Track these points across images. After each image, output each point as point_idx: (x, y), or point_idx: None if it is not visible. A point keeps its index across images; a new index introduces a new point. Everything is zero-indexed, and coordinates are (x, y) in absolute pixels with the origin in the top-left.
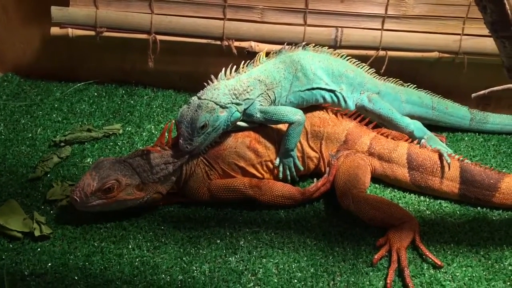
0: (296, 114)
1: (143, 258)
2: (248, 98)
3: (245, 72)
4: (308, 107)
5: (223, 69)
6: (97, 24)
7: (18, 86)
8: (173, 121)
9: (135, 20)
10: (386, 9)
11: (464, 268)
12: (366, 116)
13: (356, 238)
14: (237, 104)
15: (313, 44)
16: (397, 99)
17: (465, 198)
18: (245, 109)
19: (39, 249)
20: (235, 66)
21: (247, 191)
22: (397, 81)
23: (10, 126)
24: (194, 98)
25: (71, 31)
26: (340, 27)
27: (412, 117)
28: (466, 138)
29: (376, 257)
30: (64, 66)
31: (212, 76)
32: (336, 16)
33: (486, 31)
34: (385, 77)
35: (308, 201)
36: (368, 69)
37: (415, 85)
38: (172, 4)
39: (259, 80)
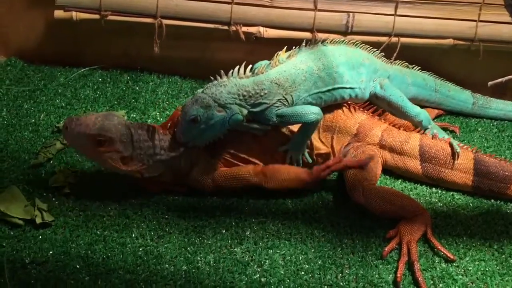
0: (314, 113)
1: (146, 248)
2: (261, 102)
3: (262, 73)
4: None
5: (237, 67)
6: (101, 7)
7: (21, 71)
8: (178, 107)
9: (141, 3)
10: None
11: (477, 262)
12: (376, 106)
13: (365, 230)
14: (241, 106)
15: (330, 39)
16: (404, 81)
17: (478, 190)
18: (258, 113)
19: (40, 237)
20: (250, 66)
21: (252, 179)
22: (403, 63)
23: (13, 111)
24: (199, 90)
25: (75, 15)
26: (351, 12)
27: (416, 99)
28: (479, 129)
29: (386, 249)
30: (68, 51)
31: (222, 72)
32: (347, 1)
33: (503, 18)
34: (392, 60)
35: (317, 182)
36: (378, 53)
37: (419, 68)
38: None
39: (277, 83)
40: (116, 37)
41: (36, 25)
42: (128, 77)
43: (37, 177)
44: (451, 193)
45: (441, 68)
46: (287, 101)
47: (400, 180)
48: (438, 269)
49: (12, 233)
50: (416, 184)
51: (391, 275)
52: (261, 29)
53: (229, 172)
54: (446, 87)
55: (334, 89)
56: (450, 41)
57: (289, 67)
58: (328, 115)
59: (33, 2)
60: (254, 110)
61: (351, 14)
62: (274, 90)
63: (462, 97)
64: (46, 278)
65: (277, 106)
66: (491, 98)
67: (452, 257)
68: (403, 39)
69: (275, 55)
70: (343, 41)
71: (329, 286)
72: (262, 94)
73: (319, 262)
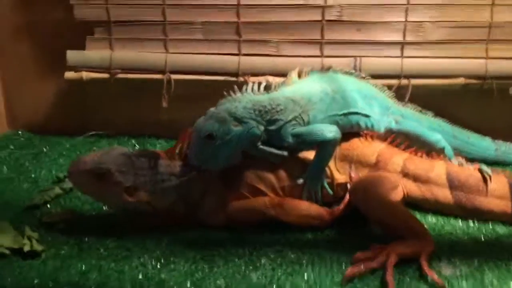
0: (332, 131)
1: (147, 274)
2: (277, 119)
3: (276, 91)
4: None
5: (250, 83)
6: (111, 66)
7: (27, 140)
8: (189, 130)
9: (149, 60)
10: (404, 35)
11: None
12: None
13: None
14: (258, 122)
15: (340, 68)
16: (420, 124)
17: None
18: (274, 133)
19: (27, 266)
20: (264, 82)
21: (268, 211)
22: (416, 107)
23: (13, 169)
24: (211, 109)
25: (85, 75)
26: (358, 56)
27: None
28: None
29: (357, 254)
30: (76, 122)
31: (236, 87)
32: (354, 45)
33: (510, 53)
34: (404, 102)
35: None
36: (389, 93)
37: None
38: (186, 42)
39: (293, 100)
40: (124, 103)
41: (45, 97)
42: (135, 142)
43: (31, 217)
44: (491, 225)
45: (456, 115)
46: (303, 120)
47: (430, 214)
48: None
49: None
50: (449, 218)
51: None
52: (270, 78)
53: (244, 203)
54: (464, 134)
55: (350, 113)
56: (461, 80)
57: (304, 86)
58: (344, 144)
59: (43, 75)
60: (270, 128)
61: (358, 58)
62: (290, 106)
63: (483, 144)
64: None
65: (293, 125)
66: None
67: (441, 283)
68: (413, 81)
69: (288, 75)
70: (353, 73)
71: None
72: (278, 109)
73: (349, 285)
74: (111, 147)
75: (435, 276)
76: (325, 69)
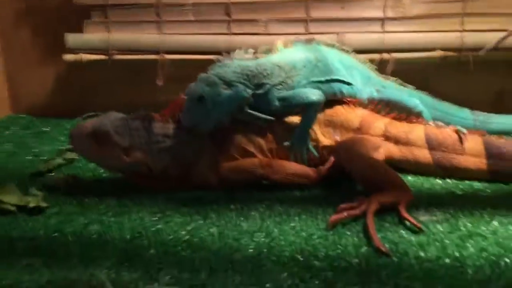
0: (316, 94)
1: (145, 225)
2: (264, 83)
3: (263, 58)
4: None
5: (237, 50)
6: (109, 47)
7: (29, 121)
8: (181, 94)
9: (144, 41)
10: (384, 12)
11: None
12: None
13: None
14: (246, 86)
15: (322, 41)
16: (400, 92)
17: (496, 174)
18: (261, 97)
19: (32, 222)
20: (250, 49)
21: (257, 170)
22: (396, 79)
23: (17, 145)
24: (202, 74)
25: (84, 56)
26: (342, 32)
27: None
28: None
29: (341, 205)
30: (75, 105)
31: (224, 53)
32: (337, 23)
33: (485, 26)
34: (386, 76)
35: (323, 180)
36: (370, 66)
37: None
38: (179, 23)
39: (279, 66)
40: (121, 86)
41: (47, 81)
42: None
43: (36, 183)
44: (468, 182)
45: (436, 89)
46: (288, 85)
47: (411, 176)
48: (463, 229)
49: (2, 218)
50: (429, 178)
51: (412, 237)
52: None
53: (235, 164)
54: (443, 105)
55: (332, 80)
56: (439, 53)
57: (288, 54)
58: (328, 110)
59: (45, 59)
60: (257, 92)
61: (341, 34)
62: (276, 71)
63: (462, 115)
64: (34, 247)
65: (279, 89)
66: (491, 114)
67: (419, 226)
68: (394, 55)
69: (274, 45)
70: (334, 45)
71: (344, 247)
72: (264, 74)
73: (333, 229)
74: (107, 113)
75: (412, 220)
76: (308, 41)
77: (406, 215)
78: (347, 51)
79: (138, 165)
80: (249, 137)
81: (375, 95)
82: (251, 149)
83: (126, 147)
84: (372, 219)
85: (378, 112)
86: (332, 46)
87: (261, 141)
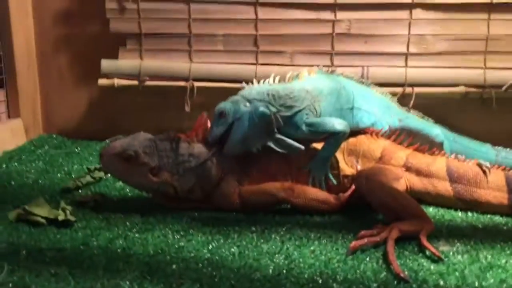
0: (343, 123)
1: (168, 242)
2: (292, 105)
3: (290, 83)
4: None
5: (272, 75)
6: (141, 73)
7: (61, 142)
8: (203, 113)
9: (175, 68)
10: (408, 47)
11: None
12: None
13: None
14: (269, 103)
15: (341, 72)
16: (421, 122)
17: None
18: (289, 119)
19: (60, 234)
20: (279, 76)
21: (279, 194)
22: (418, 113)
23: (49, 163)
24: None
25: (116, 81)
26: (365, 66)
27: None
28: None
29: (362, 232)
30: (105, 129)
31: (255, 80)
32: (361, 56)
33: (507, 64)
34: (407, 108)
35: (343, 208)
36: (391, 98)
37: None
38: (208, 53)
39: (306, 90)
40: (149, 112)
41: (79, 104)
42: None
43: (65, 198)
44: (489, 216)
45: (456, 124)
46: (315, 109)
47: (432, 207)
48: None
49: (33, 230)
50: (450, 210)
51: (432, 265)
52: None
53: (257, 187)
54: (464, 139)
55: (354, 108)
56: (462, 89)
57: (315, 80)
58: (352, 139)
59: (78, 84)
60: (286, 114)
61: (365, 67)
62: (303, 95)
63: (483, 149)
64: (62, 258)
65: (306, 114)
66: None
67: (439, 255)
68: (417, 89)
69: (300, 72)
70: (353, 77)
71: (363, 272)
72: (291, 96)
73: (352, 255)
74: (136, 133)
75: (433, 249)
76: (330, 72)
77: (427, 244)
78: (365, 83)
79: (165, 185)
80: (273, 161)
81: (397, 124)
82: (274, 172)
83: (154, 167)
84: (392, 246)
85: (400, 143)
86: (351, 78)
87: (284, 165)
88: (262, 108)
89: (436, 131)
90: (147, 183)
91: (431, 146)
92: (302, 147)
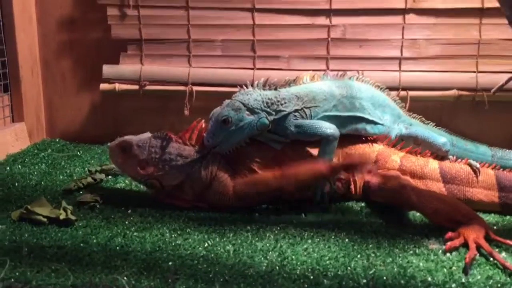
0: (331, 128)
1: (165, 240)
2: (281, 110)
3: (284, 88)
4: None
5: (262, 79)
6: (141, 78)
7: (63, 146)
8: (199, 119)
9: (174, 73)
10: (401, 52)
11: None
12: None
13: (391, 235)
14: (268, 113)
15: (357, 76)
16: (426, 129)
17: (506, 208)
18: (278, 120)
19: (61, 232)
20: (275, 79)
21: (272, 182)
22: (420, 117)
23: (51, 166)
24: (226, 100)
25: (118, 86)
26: (360, 70)
27: None
28: None
29: (448, 244)
30: (106, 132)
31: (248, 82)
32: (356, 61)
33: (499, 68)
34: (410, 114)
35: (336, 171)
36: (401, 104)
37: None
38: (207, 58)
39: (297, 96)
40: (150, 115)
41: (81, 108)
42: None
43: (66, 198)
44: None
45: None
46: (305, 114)
47: None
48: None
49: (34, 228)
50: None
51: (421, 262)
52: None
53: (248, 178)
54: (462, 142)
55: (354, 117)
56: (454, 92)
57: (311, 86)
58: (347, 144)
59: (80, 89)
60: (275, 117)
61: (360, 72)
62: (293, 101)
63: (480, 151)
64: (62, 255)
65: (295, 116)
66: (510, 150)
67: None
68: (411, 93)
69: (300, 76)
70: (369, 81)
71: (354, 269)
72: (282, 102)
73: (344, 252)
74: (144, 133)
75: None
76: (340, 75)
77: (499, 238)
78: (381, 88)
79: (150, 178)
80: (263, 160)
81: (404, 131)
82: (264, 170)
83: (142, 160)
84: (488, 245)
85: (393, 146)
86: (367, 82)
87: (274, 165)
88: (264, 119)
89: (443, 140)
90: (135, 174)
91: (436, 153)
92: (286, 140)
